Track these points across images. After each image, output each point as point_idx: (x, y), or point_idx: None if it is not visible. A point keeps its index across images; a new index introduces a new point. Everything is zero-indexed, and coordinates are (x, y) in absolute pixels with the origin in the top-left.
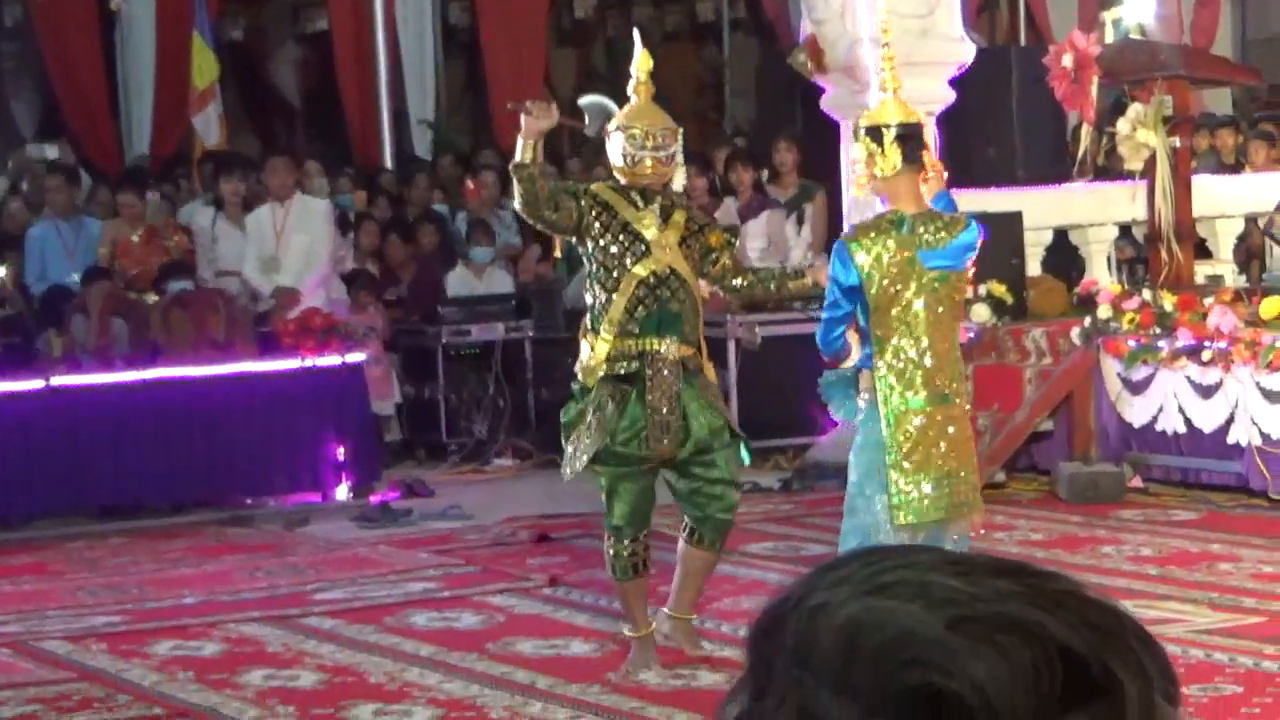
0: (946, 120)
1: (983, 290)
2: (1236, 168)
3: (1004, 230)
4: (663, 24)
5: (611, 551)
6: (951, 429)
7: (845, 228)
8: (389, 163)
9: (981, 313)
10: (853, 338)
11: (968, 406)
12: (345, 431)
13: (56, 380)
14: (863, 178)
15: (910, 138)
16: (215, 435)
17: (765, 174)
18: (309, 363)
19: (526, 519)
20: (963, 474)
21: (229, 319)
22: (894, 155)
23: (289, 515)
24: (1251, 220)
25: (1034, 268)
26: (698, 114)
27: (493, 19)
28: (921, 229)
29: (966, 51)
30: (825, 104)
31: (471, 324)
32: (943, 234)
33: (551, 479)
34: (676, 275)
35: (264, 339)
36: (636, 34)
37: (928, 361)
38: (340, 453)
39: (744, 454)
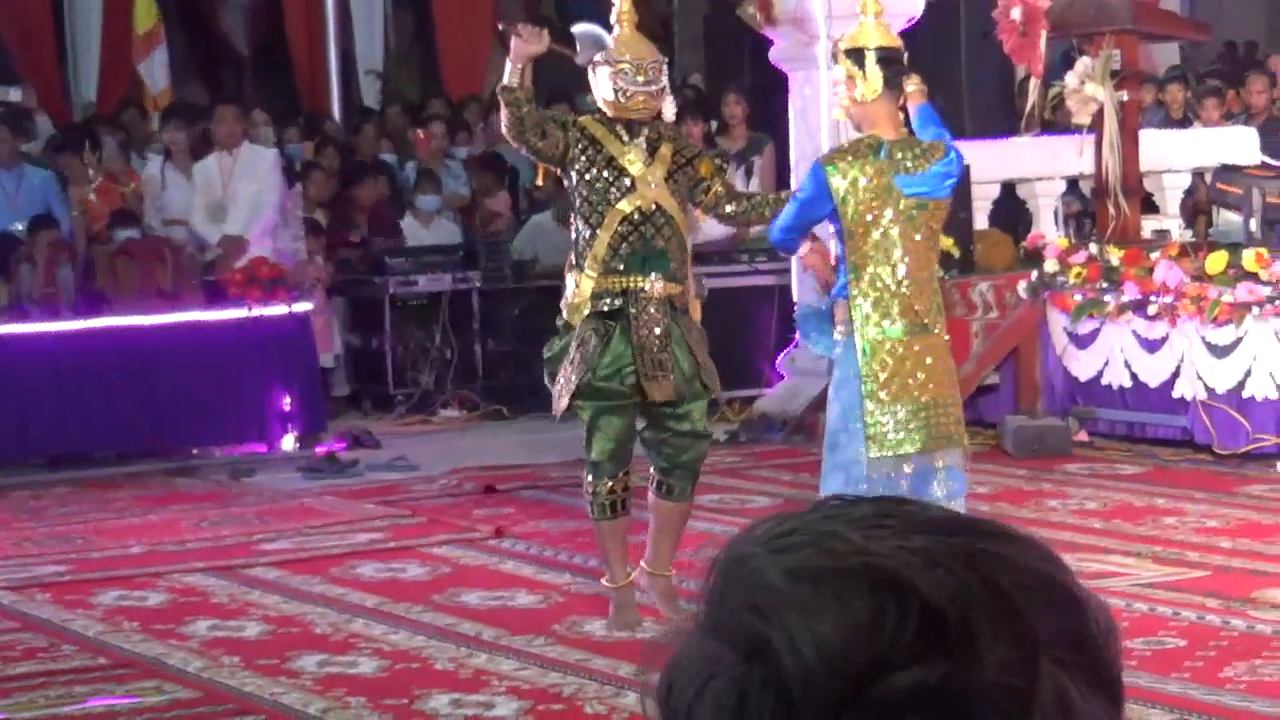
0: None
1: None
2: (1184, 123)
3: None
4: None
5: (591, 490)
6: (930, 359)
7: (793, 178)
8: (337, 112)
9: None
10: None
11: (947, 337)
12: (291, 382)
13: (2, 329)
14: (844, 99)
15: (891, 61)
16: (161, 385)
17: (714, 126)
18: (255, 312)
19: (473, 470)
20: (944, 405)
21: (175, 268)
22: (875, 79)
23: (235, 465)
24: (1199, 175)
25: (981, 221)
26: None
27: None
28: (900, 154)
29: (915, 3)
30: (774, 56)
31: (419, 274)
32: (921, 160)
33: (497, 430)
34: (662, 211)
35: (210, 288)
36: None
37: (905, 289)
38: (286, 403)
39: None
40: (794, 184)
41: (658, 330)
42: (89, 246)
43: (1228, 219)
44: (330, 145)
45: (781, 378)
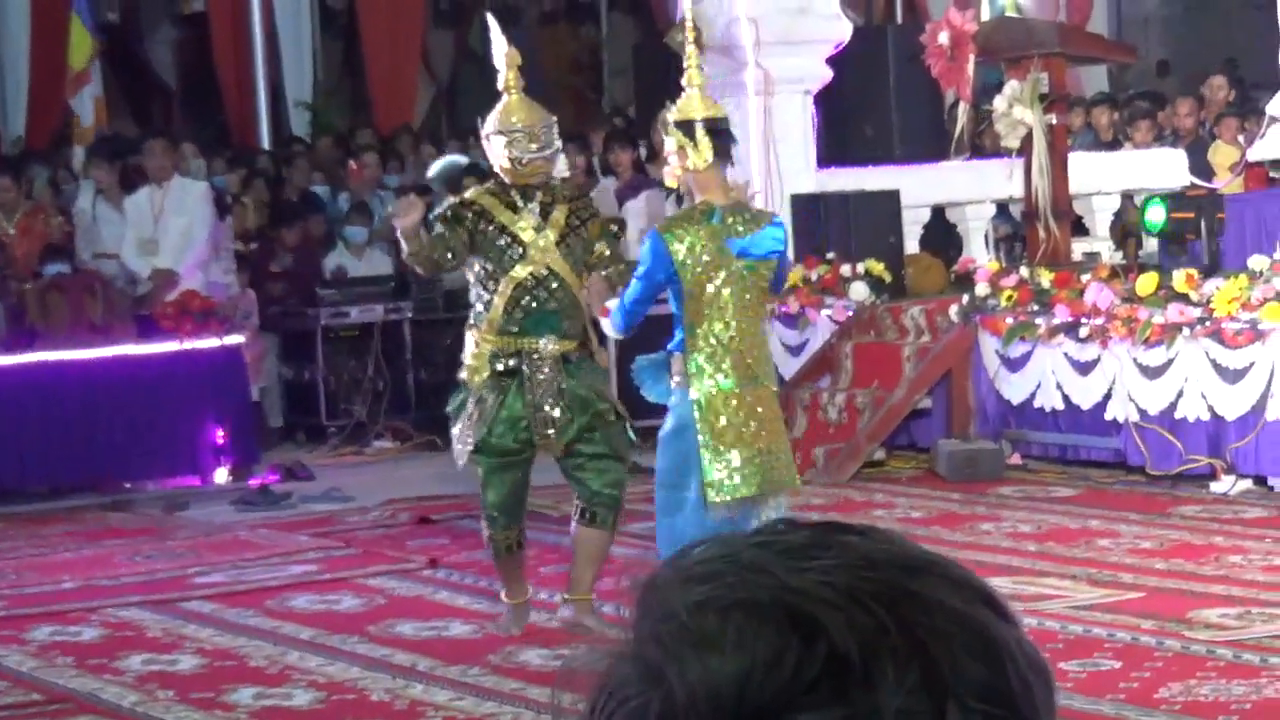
0: (823, 98)
1: (861, 268)
2: (1113, 145)
3: (881, 208)
4: (540, 3)
5: (487, 534)
6: (760, 408)
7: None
8: (266, 144)
9: (860, 291)
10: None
11: (775, 388)
12: (224, 414)
13: None
14: (677, 169)
15: (720, 132)
16: (93, 419)
17: (644, 153)
18: (187, 345)
19: (406, 501)
20: (775, 452)
21: (106, 302)
22: (705, 148)
23: (168, 499)
24: (1128, 197)
25: (912, 246)
26: (575, 94)
27: (370, 0)
28: (731, 219)
29: (843, 29)
30: None
31: (350, 305)
32: (751, 224)
33: (431, 461)
34: (555, 275)
35: (142, 322)
36: (492, 21)
37: (737, 345)
38: (219, 435)
39: (629, 434)
40: None
41: (550, 389)
42: (12, 281)
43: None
44: (259, 178)
45: None
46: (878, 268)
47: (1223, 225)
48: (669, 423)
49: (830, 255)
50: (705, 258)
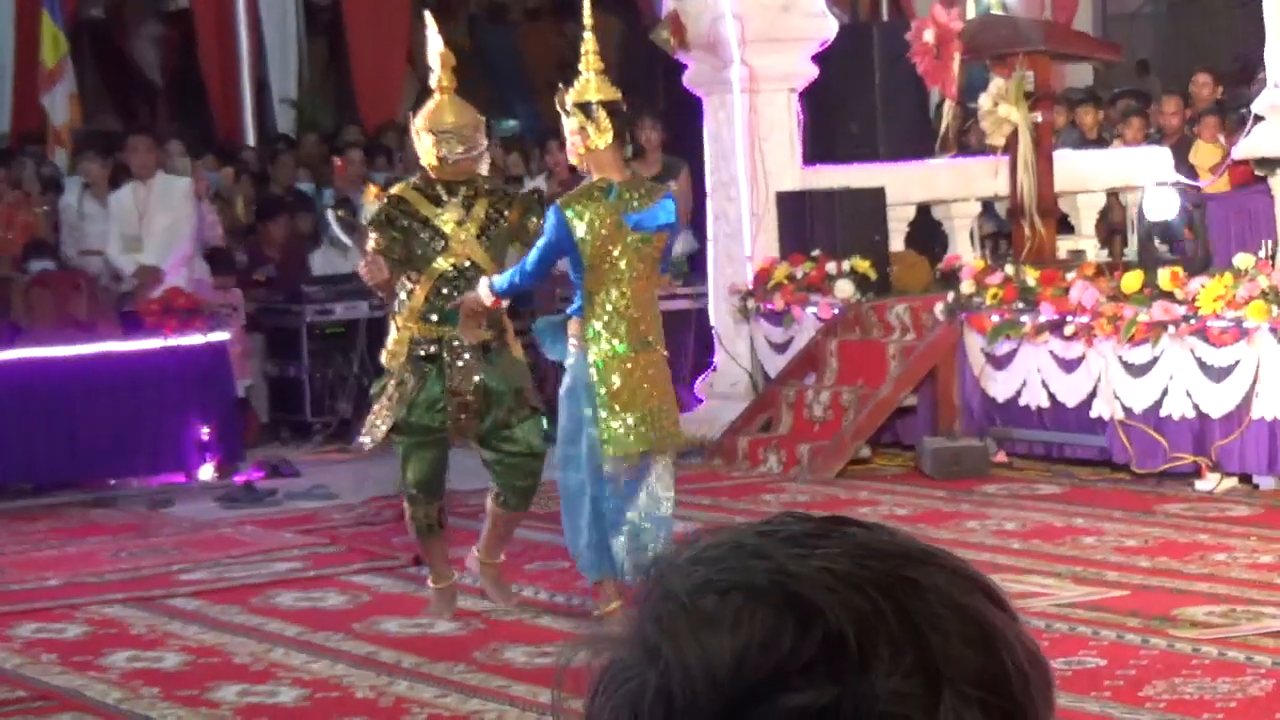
0: (809, 96)
1: (846, 266)
2: (1098, 143)
3: (866, 206)
4: (524, 2)
5: (410, 516)
6: (652, 371)
7: (709, 202)
8: (251, 140)
9: (845, 288)
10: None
11: (665, 352)
12: (209, 411)
13: None
14: (580, 148)
15: (617, 114)
16: (78, 415)
17: (630, 151)
18: (172, 342)
19: (391, 498)
20: (664, 410)
21: (91, 298)
22: (606, 129)
23: (153, 496)
24: (1113, 194)
25: (897, 243)
26: (560, 90)
27: None
28: (627, 195)
29: (828, 27)
30: (688, 80)
31: (335, 303)
32: (646, 200)
33: None
34: (475, 266)
35: (127, 318)
36: (430, 20)
37: (631, 311)
38: (204, 433)
39: (544, 424)
40: (710, 208)
41: (468, 376)
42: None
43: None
44: (245, 175)
45: (699, 401)
46: (863, 265)
47: (1207, 222)
48: (565, 382)
49: (815, 253)
50: (604, 232)
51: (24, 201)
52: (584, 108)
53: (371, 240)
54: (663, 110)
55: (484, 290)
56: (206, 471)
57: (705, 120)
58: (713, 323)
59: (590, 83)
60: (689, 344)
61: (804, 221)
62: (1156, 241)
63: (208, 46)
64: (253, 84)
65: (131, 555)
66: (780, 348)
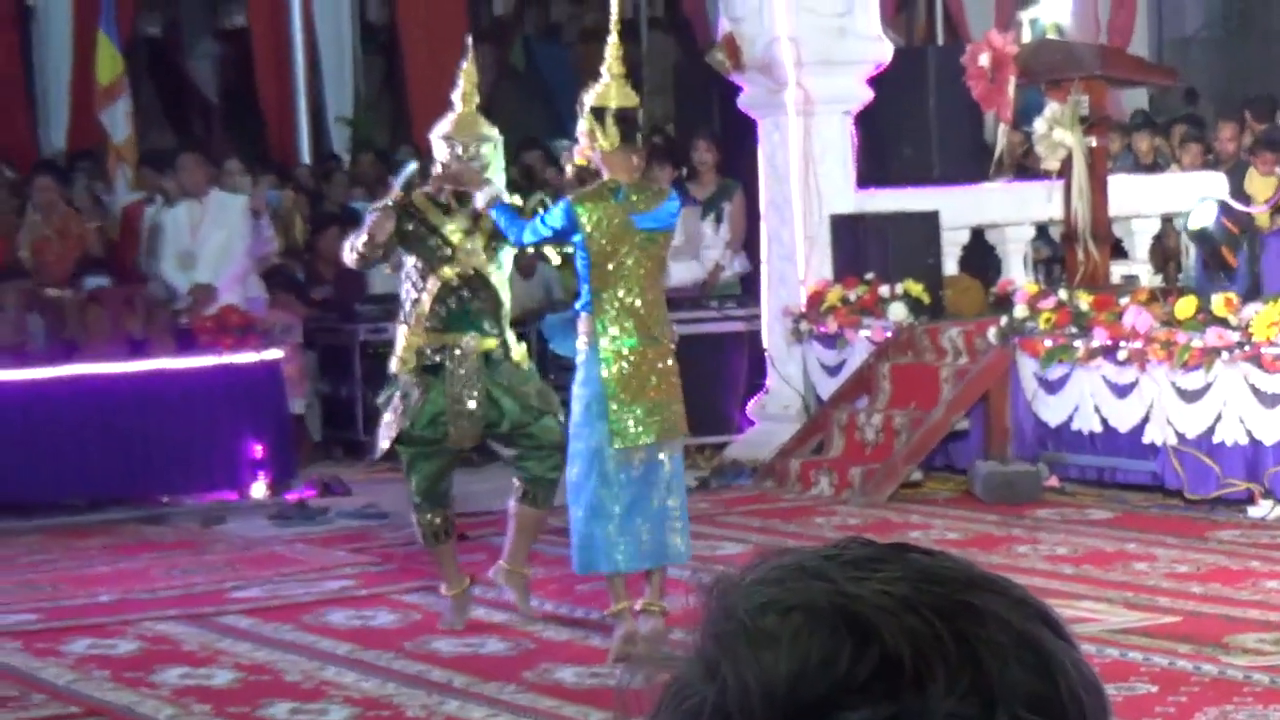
0: (864, 119)
1: (899, 289)
2: (1154, 168)
3: (920, 229)
4: (580, 22)
5: (416, 523)
6: (660, 365)
7: (762, 224)
8: (306, 159)
9: (898, 311)
10: None
11: (672, 345)
12: (262, 429)
13: None
14: (587, 149)
15: (627, 120)
16: (132, 432)
17: (684, 172)
18: (226, 359)
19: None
20: (670, 404)
21: (146, 315)
22: (613, 134)
23: (205, 513)
24: (1168, 220)
25: (951, 267)
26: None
27: (411, 16)
28: (634, 197)
29: (884, 50)
30: (742, 102)
31: (388, 321)
32: (652, 200)
33: (467, 477)
34: (480, 276)
35: (181, 335)
36: (469, 42)
37: (639, 308)
38: (257, 450)
39: (559, 425)
40: (763, 230)
41: (471, 384)
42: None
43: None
44: (301, 193)
45: (751, 423)
46: (916, 289)
47: (1263, 249)
48: (577, 377)
49: (869, 276)
50: (610, 230)
51: (76, 217)
52: (597, 112)
53: (375, 211)
54: (717, 132)
55: (489, 192)
56: (259, 489)
57: (760, 142)
58: (765, 345)
59: (610, 87)
60: (741, 366)
61: (858, 244)
62: (1193, 254)
63: (264, 65)
64: (308, 102)
65: (184, 572)
66: (833, 370)
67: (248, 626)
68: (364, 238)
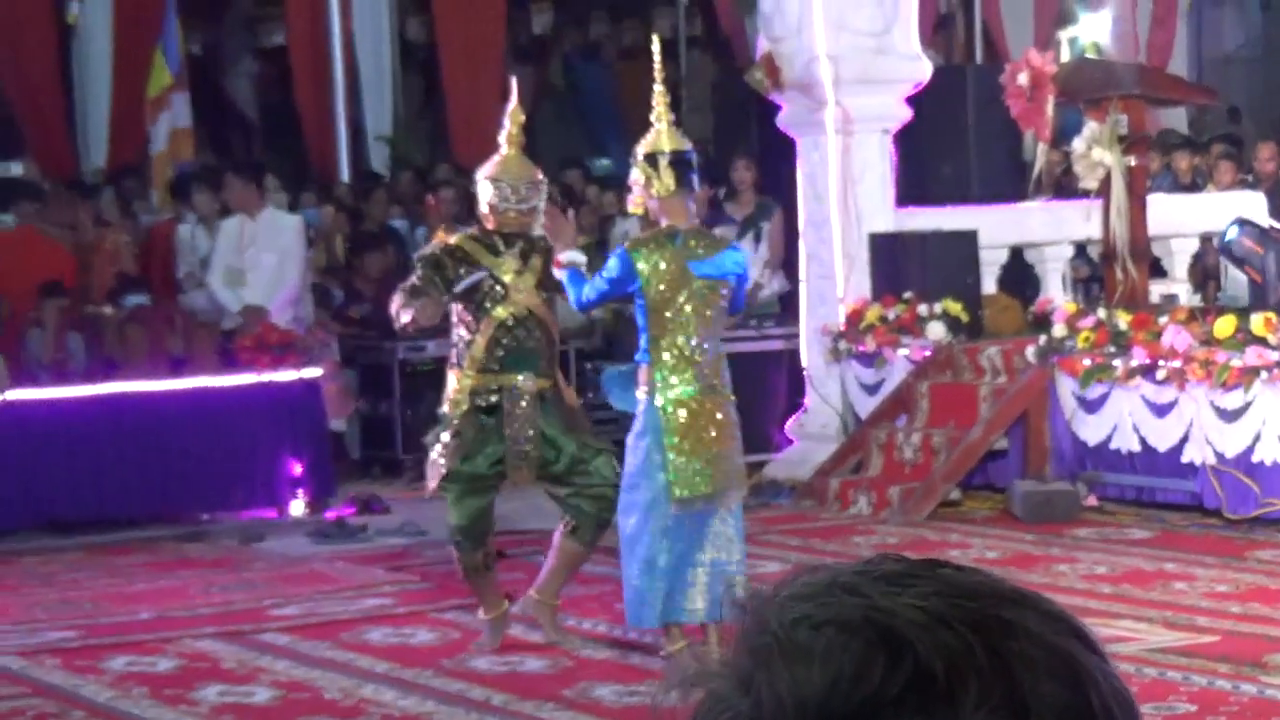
0: (902, 138)
1: (938, 308)
2: (1192, 188)
3: (959, 248)
4: (619, 40)
5: (458, 559)
6: (719, 415)
7: (801, 243)
8: (346, 177)
9: (937, 330)
10: None
11: (732, 396)
12: (301, 447)
13: (12, 395)
14: (639, 199)
15: (682, 163)
16: (171, 450)
17: (722, 192)
18: (266, 378)
19: None
20: (729, 455)
21: (185, 334)
22: (668, 179)
23: (245, 530)
24: (1206, 239)
25: (989, 286)
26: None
27: (450, 35)
28: (692, 243)
29: (923, 69)
30: (781, 121)
31: (428, 339)
32: (711, 248)
33: (506, 496)
34: (533, 316)
35: (221, 353)
36: (514, 83)
37: (698, 356)
38: (296, 468)
39: (614, 462)
40: (802, 249)
41: (527, 425)
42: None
43: (1236, 280)
44: (341, 211)
45: (790, 442)
46: (955, 308)
47: None
48: (634, 427)
49: (908, 295)
50: (668, 276)
51: (107, 233)
52: (650, 159)
53: (414, 276)
54: (756, 151)
55: (572, 256)
56: (298, 507)
57: (799, 161)
58: (804, 364)
59: (661, 134)
60: (780, 385)
61: (896, 263)
62: (1231, 272)
63: (304, 83)
64: (348, 121)
65: (223, 590)
66: (871, 389)
67: (286, 644)
68: (409, 318)
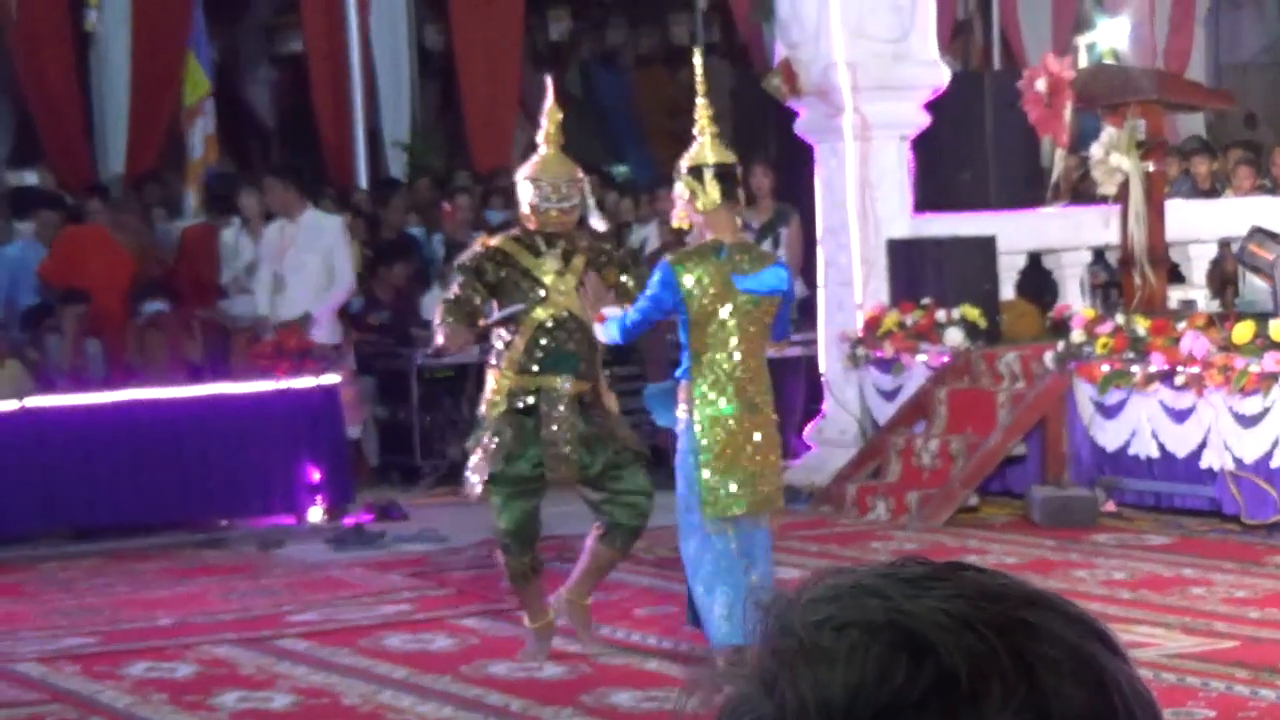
0: (920, 144)
1: (956, 314)
2: (1211, 193)
3: (977, 254)
4: (637, 47)
5: (504, 564)
6: (758, 435)
7: (819, 249)
8: (363, 184)
9: (955, 337)
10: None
11: (774, 416)
12: (319, 454)
13: (30, 401)
14: (682, 212)
15: (727, 176)
16: (189, 457)
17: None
18: (284, 385)
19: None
20: (767, 475)
21: (205, 340)
22: (713, 192)
23: (263, 537)
24: (1225, 245)
25: (1007, 292)
26: (672, 137)
27: (468, 41)
28: (738, 257)
29: (940, 75)
30: (799, 127)
31: None
32: (756, 263)
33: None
34: (573, 318)
35: (240, 360)
36: (549, 82)
37: (739, 373)
38: (315, 475)
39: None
40: (820, 255)
41: (565, 427)
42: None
43: (1254, 286)
44: (358, 218)
45: (808, 449)
46: (973, 313)
47: None
48: (680, 446)
49: (926, 301)
50: (711, 290)
51: (117, 236)
52: (694, 171)
53: (455, 285)
54: (774, 157)
55: (600, 335)
56: (316, 513)
57: (816, 167)
58: (822, 370)
59: (704, 146)
60: (799, 391)
61: (914, 269)
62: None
63: (321, 90)
64: (366, 127)
65: (242, 596)
66: (889, 395)
67: (305, 650)
68: (441, 341)
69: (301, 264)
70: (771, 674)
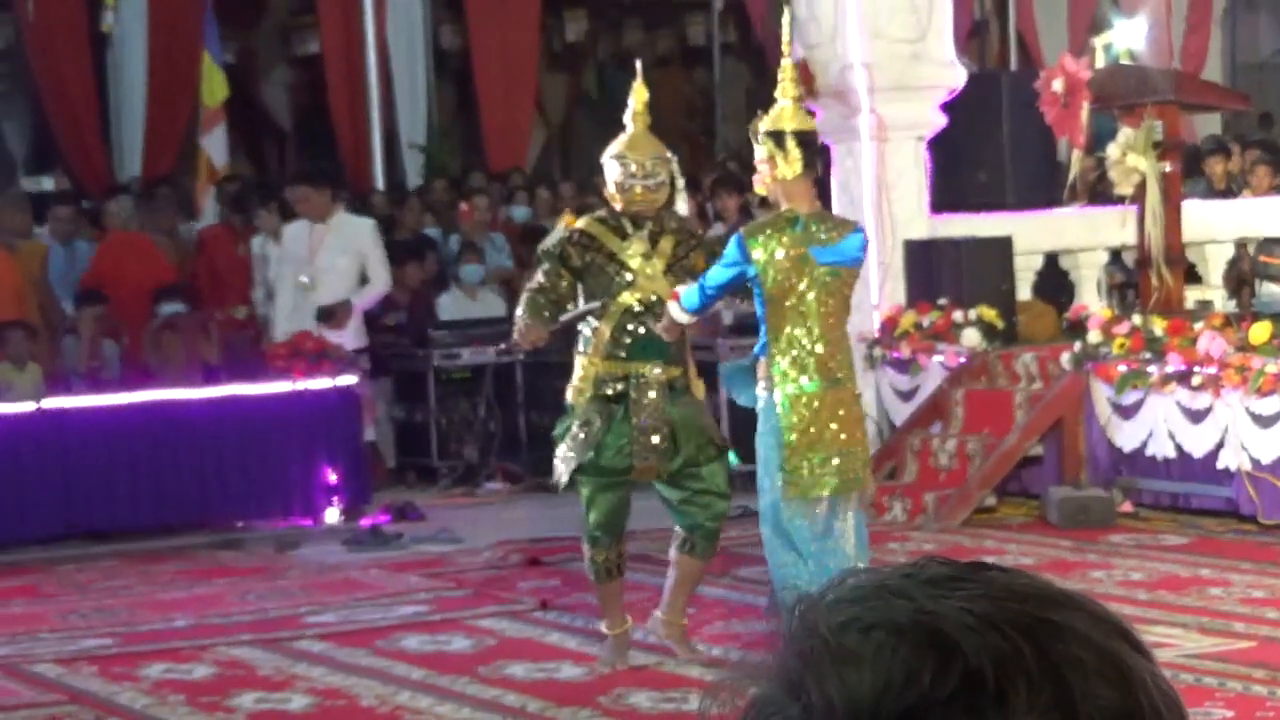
0: (937, 144)
1: (973, 315)
2: (1227, 194)
3: (994, 255)
4: (654, 48)
5: (589, 558)
6: (842, 410)
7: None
8: (380, 186)
9: (972, 337)
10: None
11: (859, 391)
12: (336, 455)
13: (47, 403)
14: (766, 177)
15: (808, 144)
16: (206, 458)
17: (757, 198)
18: (300, 386)
19: (517, 543)
20: (853, 452)
21: (221, 342)
22: (795, 159)
23: (280, 538)
24: (1241, 246)
25: (1024, 292)
26: (688, 137)
27: (484, 42)
28: (814, 228)
29: (957, 76)
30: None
31: (462, 347)
32: (834, 233)
33: (543, 503)
34: (661, 302)
35: (256, 362)
36: (639, 65)
37: (819, 349)
38: (331, 476)
39: (732, 459)
40: None
41: (656, 415)
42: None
43: (1271, 290)
44: (375, 219)
45: None
46: (990, 314)
47: None
48: (760, 424)
49: (942, 301)
50: (786, 264)
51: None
52: (775, 136)
53: (539, 273)
54: None
55: (677, 314)
56: (333, 515)
57: (833, 168)
58: None
59: (785, 111)
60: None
61: (931, 270)
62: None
63: (338, 91)
64: (382, 129)
65: (259, 597)
66: (906, 396)
67: (322, 651)
68: (516, 336)
69: (333, 265)
70: (797, 675)
